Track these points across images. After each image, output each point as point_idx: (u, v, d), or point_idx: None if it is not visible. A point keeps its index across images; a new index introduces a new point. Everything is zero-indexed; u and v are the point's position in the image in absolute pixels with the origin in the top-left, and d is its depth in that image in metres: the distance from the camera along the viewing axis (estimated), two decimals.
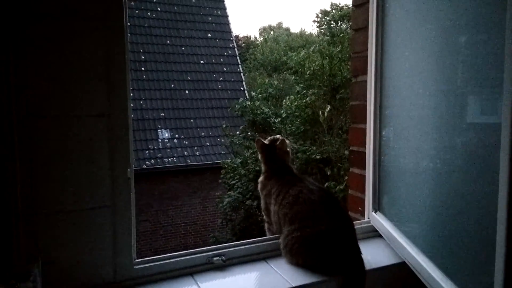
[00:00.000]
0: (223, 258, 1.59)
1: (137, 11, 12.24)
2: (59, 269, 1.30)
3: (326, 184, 6.62)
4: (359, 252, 1.57)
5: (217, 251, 1.61)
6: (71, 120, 1.30)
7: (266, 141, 1.87)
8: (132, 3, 12.15)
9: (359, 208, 2.03)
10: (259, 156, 1.90)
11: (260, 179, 1.86)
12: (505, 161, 0.96)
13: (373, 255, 1.70)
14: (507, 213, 0.93)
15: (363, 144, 1.96)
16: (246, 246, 1.67)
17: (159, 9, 12.71)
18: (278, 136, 1.90)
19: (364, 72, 1.93)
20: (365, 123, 1.93)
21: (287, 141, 1.88)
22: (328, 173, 6.97)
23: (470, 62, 1.34)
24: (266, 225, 1.85)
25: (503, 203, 0.94)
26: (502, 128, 0.98)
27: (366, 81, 1.92)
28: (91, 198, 1.34)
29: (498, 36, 1.10)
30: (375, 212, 1.87)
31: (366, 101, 1.92)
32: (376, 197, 1.88)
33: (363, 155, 1.97)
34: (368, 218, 1.92)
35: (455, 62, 1.41)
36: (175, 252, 1.59)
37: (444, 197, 1.48)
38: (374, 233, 1.88)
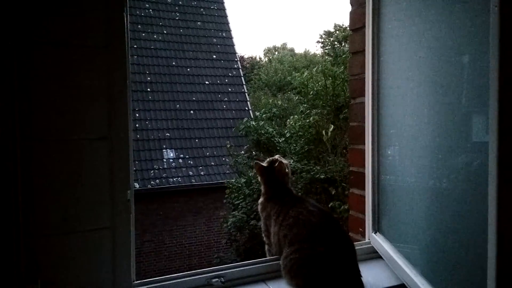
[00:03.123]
0: (222, 279, 1.59)
1: (143, 34, 12.47)
2: None
3: (331, 204, 6.60)
4: (359, 275, 1.56)
5: (216, 273, 1.61)
6: (72, 143, 1.33)
7: (264, 163, 1.89)
8: (139, 26, 12.40)
9: (360, 229, 2.03)
10: (259, 179, 1.92)
11: (260, 200, 1.88)
12: (493, 178, 0.97)
13: (373, 277, 1.69)
14: (496, 236, 0.93)
15: (363, 164, 1.97)
16: (245, 268, 1.67)
17: (165, 32, 12.96)
18: (276, 157, 1.92)
19: (362, 94, 1.96)
20: (364, 144, 1.95)
21: (286, 161, 1.89)
22: (333, 193, 6.95)
23: (470, 82, 1.35)
24: (266, 247, 1.85)
25: (493, 226, 0.95)
26: (490, 146, 1.00)
27: (364, 103, 1.95)
28: (90, 220, 1.36)
29: None
30: (375, 233, 1.87)
31: (364, 122, 1.94)
32: (376, 218, 1.88)
33: (363, 175, 1.98)
34: (369, 239, 1.91)
35: (455, 83, 1.43)
36: (179, 272, 1.59)
37: (444, 219, 1.47)
38: (374, 254, 1.87)
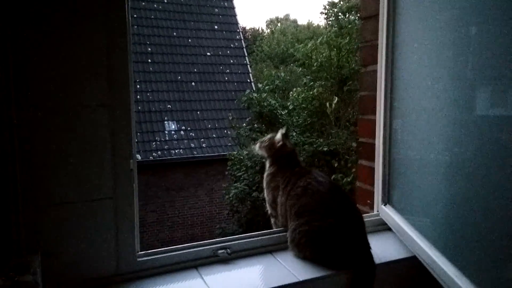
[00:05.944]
0: (228, 251, 1.56)
1: (143, 3, 12.17)
2: (60, 261, 1.28)
3: (333, 176, 6.58)
4: (368, 246, 1.53)
5: (222, 244, 1.58)
6: (71, 110, 1.27)
7: (276, 140, 1.80)
8: None
9: (368, 201, 1.99)
10: (271, 154, 1.82)
11: (268, 172, 1.81)
12: None
13: (383, 249, 1.66)
14: None
15: (372, 135, 1.91)
16: (251, 239, 1.64)
17: (165, 1, 12.64)
18: (280, 133, 1.82)
19: (374, 61, 1.88)
20: (375, 114, 1.88)
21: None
22: (335, 165, 6.92)
23: (484, 54, 1.28)
24: (272, 220, 1.81)
25: None
26: None
27: (376, 71, 1.86)
28: (92, 190, 1.31)
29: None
30: (385, 205, 1.83)
31: (376, 91, 1.86)
32: (386, 189, 1.83)
33: (372, 147, 1.92)
34: (377, 211, 1.87)
35: (469, 54, 1.36)
36: (182, 243, 1.56)
37: (456, 190, 1.43)
38: (383, 227, 1.84)
